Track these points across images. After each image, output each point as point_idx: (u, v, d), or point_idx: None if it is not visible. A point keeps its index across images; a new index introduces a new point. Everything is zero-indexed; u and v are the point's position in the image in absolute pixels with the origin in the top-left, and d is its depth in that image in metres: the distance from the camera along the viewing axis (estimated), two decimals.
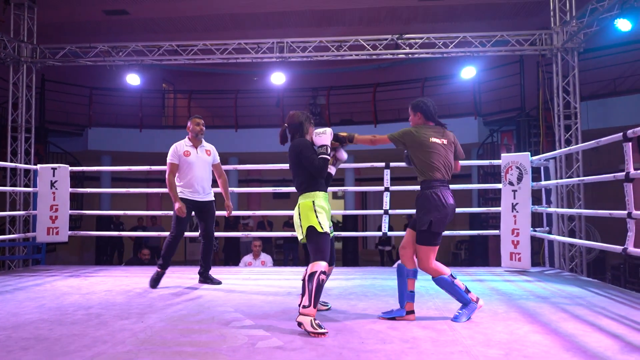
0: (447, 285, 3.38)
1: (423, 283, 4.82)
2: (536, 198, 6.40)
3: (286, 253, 12.63)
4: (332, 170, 3.63)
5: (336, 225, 15.70)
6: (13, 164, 7.76)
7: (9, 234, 8.11)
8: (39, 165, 6.56)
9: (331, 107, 13.59)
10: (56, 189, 6.35)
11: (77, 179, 12.02)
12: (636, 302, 3.95)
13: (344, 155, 3.67)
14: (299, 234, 3.43)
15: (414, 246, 3.46)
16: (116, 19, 11.85)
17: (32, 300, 4.09)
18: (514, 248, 5.58)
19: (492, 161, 6.45)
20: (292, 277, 5.22)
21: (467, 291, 3.37)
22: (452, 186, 3.51)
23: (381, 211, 6.19)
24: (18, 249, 8.36)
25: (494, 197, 10.89)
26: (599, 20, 7.00)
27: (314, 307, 3.12)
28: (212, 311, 3.68)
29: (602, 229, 9.29)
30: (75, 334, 3.05)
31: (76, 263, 12.53)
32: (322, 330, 3.01)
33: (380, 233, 6.39)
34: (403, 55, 8.72)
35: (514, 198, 5.61)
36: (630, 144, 4.11)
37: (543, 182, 6.08)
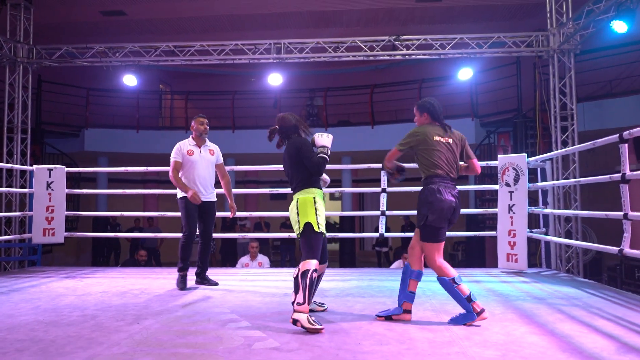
0: (447, 287, 3.37)
1: (419, 284, 4.81)
2: (533, 199, 6.40)
3: (283, 254, 12.63)
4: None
5: (333, 227, 15.75)
6: (9, 165, 7.73)
7: (5, 235, 8.08)
8: (35, 166, 6.54)
9: (328, 108, 13.59)
10: (52, 190, 6.33)
11: (73, 180, 11.98)
12: (632, 303, 3.96)
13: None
14: (295, 229, 3.45)
15: (420, 247, 3.48)
16: (113, 19, 11.83)
17: (28, 302, 4.07)
18: (511, 249, 5.58)
19: (489, 162, 6.46)
20: (289, 279, 5.19)
21: (471, 300, 3.28)
22: None
23: (378, 212, 6.19)
24: (14, 250, 8.33)
25: (490, 198, 10.91)
26: (595, 22, 7.02)
27: (308, 304, 3.19)
28: (209, 312, 3.67)
29: (598, 230, 9.31)
30: (71, 336, 3.04)
31: (72, 264, 12.48)
32: (319, 327, 3.08)
33: (377, 234, 6.39)
34: (400, 57, 8.74)
35: (511, 199, 5.62)
36: (626, 145, 4.12)
37: (540, 184, 6.09)
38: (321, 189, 3.56)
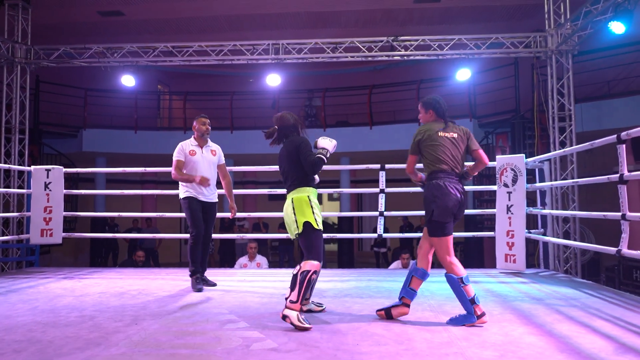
0: (453, 286, 3.37)
1: None
2: (531, 200, 6.40)
3: (281, 255, 12.62)
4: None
5: (331, 227, 15.73)
6: (7, 166, 7.71)
7: (2, 235, 8.06)
8: (32, 167, 6.53)
9: (327, 108, 13.59)
10: (50, 190, 6.32)
11: (71, 181, 11.96)
12: (630, 303, 3.97)
13: None
14: (292, 229, 3.45)
15: (428, 244, 3.50)
16: (111, 20, 11.81)
17: (25, 303, 4.06)
18: (509, 250, 5.59)
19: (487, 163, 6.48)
20: (287, 279, 5.16)
21: (474, 302, 3.28)
22: None
23: (376, 213, 6.19)
24: (11, 250, 8.31)
25: (488, 199, 10.90)
26: (593, 23, 7.03)
27: (300, 303, 3.25)
28: (207, 313, 3.67)
29: (596, 231, 9.32)
30: (69, 336, 3.04)
31: (70, 265, 12.45)
32: (307, 325, 3.16)
33: (375, 235, 6.39)
34: (398, 57, 8.74)
35: (509, 200, 5.62)
36: (624, 146, 4.13)
37: (538, 184, 6.10)
38: (316, 188, 3.57)
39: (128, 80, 9.70)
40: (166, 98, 16.70)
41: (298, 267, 3.36)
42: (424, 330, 3.17)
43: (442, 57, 8.49)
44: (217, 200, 4.92)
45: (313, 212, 3.42)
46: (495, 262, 5.75)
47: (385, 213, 6.14)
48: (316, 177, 3.70)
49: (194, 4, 11.08)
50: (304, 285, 3.26)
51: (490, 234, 6.08)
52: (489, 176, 10.42)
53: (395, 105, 13.36)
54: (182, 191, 4.75)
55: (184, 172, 4.73)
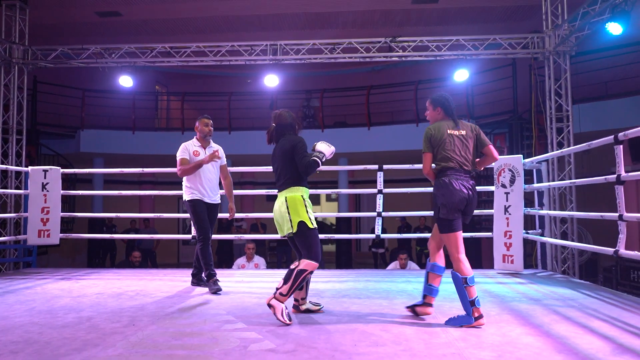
0: (457, 284, 3.37)
1: (416, 285, 4.83)
2: (528, 200, 6.42)
3: (279, 255, 12.59)
4: None
5: (329, 228, 15.74)
6: (4, 166, 7.70)
7: (0, 236, 8.04)
8: (30, 168, 6.52)
9: (325, 109, 13.59)
10: (47, 191, 6.31)
11: (69, 181, 11.94)
12: (628, 304, 3.97)
13: None
14: (285, 228, 3.50)
15: (437, 239, 3.54)
16: (109, 20, 11.79)
17: (22, 304, 4.05)
18: (507, 250, 5.59)
19: None
20: None
21: (474, 304, 3.28)
22: None
23: (374, 213, 6.20)
24: (9, 251, 8.29)
25: (486, 200, 10.91)
26: (590, 24, 7.05)
27: (288, 297, 3.37)
28: (205, 314, 3.67)
29: (594, 231, 9.33)
30: (66, 337, 3.03)
31: (68, 266, 12.44)
32: (288, 322, 3.30)
33: (373, 235, 6.39)
34: (396, 58, 8.74)
35: (507, 200, 5.63)
36: (621, 146, 4.14)
37: (535, 185, 6.11)
38: (308, 187, 3.59)
39: (126, 81, 9.69)
40: (164, 99, 16.68)
41: (297, 262, 3.43)
42: (421, 331, 3.17)
43: (440, 58, 8.50)
44: (219, 202, 4.91)
45: (307, 212, 3.46)
46: (493, 262, 5.76)
47: (383, 214, 6.15)
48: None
49: (192, 5, 11.08)
50: (297, 283, 3.35)
51: (488, 234, 6.08)
52: (486, 177, 10.43)
53: (394, 106, 13.37)
54: (187, 193, 4.71)
55: (186, 178, 4.69)
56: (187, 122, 13.34)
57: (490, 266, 5.92)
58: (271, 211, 3.73)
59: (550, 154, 6.44)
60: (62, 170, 6.51)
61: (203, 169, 4.70)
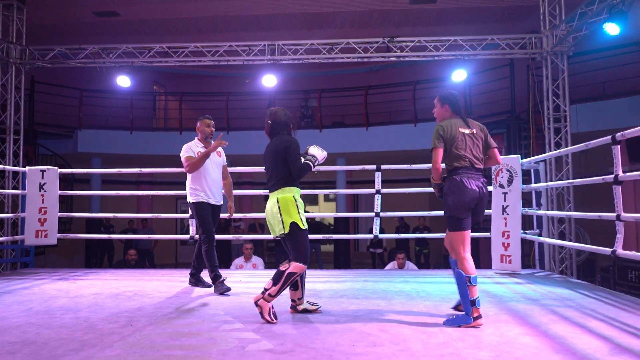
0: (459, 282, 3.38)
1: (413, 285, 4.83)
2: (526, 200, 6.42)
3: (277, 256, 12.60)
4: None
5: (327, 228, 15.74)
6: (1, 166, 7.66)
7: None
8: (27, 168, 6.50)
9: (323, 109, 13.59)
10: (45, 191, 6.29)
11: (66, 182, 11.90)
12: (625, 304, 3.98)
13: None
14: (277, 229, 3.53)
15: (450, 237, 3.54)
16: (106, 20, 11.77)
17: (20, 304, 4.04)
18: (505, 250, 5.60)
19: None
20: None
21: (474, 304, 3.28)
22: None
23: (372, 214, 6.20)
24: (6, 251, 8.27)
25: None
26: (587, 24, 7.06)
27: (276, 297, 3.43)
28: (202, 314, 3.66)
29: (591, 232, 9.34)
30: (63, 338, 3.02)
31: (66, 266, 12.39)
32: (275, 321, 3.37)
33: (371, 235, 6.39)
34: (394, 58, 8.74)
35: (505, 200, 5.64)
36: (618, 146, 4.14)
37: (533, 185, 6.11)
38: (300, 187, 3.60)
39: (123, 81, 9.68)
40: (162, 99, 16.66)
41: (287, 264, 3.47)
42: (419, 331, 3.17)
43: (437, 58, 8.50)
44: (222, 203, 4.89)
45: (299, 212, 3.49)
46: (491, 262, 5.76)
47: (381, 214, 6.15)
48: None
49: (190, 5, 11.06)
50: (286, 285, 3.41)
51: (486, 234, 6.08)
52: (484, 177, 10.44)
53: (391, 106, 13.38)
54: (192, 195, 4.68)
55: (191, 178, 4.66)
56: (185, 122, 13.33)
57: (488, 266, 5.93)
58: None
59: (548, 154, 6.45)
60: (59, 170, 6.50)
61: (207, 169, 4.68)
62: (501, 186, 5.67)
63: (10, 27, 8.54)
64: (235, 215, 5.63)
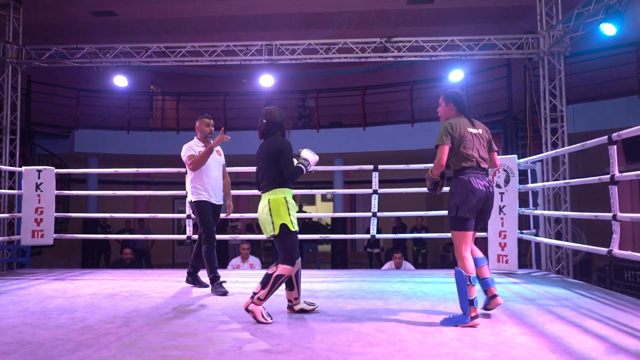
0: (459, 282, 3.38)
1: (411, 285, 4.84)
2: (523, 200, 6.44)
3: (274, 256, 12.60)
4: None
5: (325, 228, 15.73)
6: None
7: None
8: (24, 168, 6.48)
9: (320, 109, 13.59)
10: (41, 191, 6.27)
11: (63, 182, 11.89)
12: (621, 303, 3.99)
13: None
14: (268, 230, 3.52)
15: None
16: (104, 20, 11.75)
17: (16, 304, 4.03)
18: (501, 250, 5.61)
19: None
20: None
21: (472, 304, 3.28)
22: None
23: (370, 214, 6.20)
24: (2, 252, 8.24)
25: None
26: (584, 25, 7.07)
27: (265, 301, 3.43)
28: (199, 314, 3.66)
29: (588, 231, 9.37)
30: (59, 338, 3.01)
31: (62, 266, 12.36)
32: (270, 320, 3.37)
33: (368, 235, 6.39)
34: (392, 59, 8.74)
35: (501, 200, 5.64)
36: (615, 146, 4.16)
37: (530, 185, 6.12)
38: (291, 188, 3.60)
39: (120, 81, 9.66)
40: (159, 98, 16.64)
41: (274, 267, 3.47)
42: (416, 331, 3.18)
43: (435, 58, 8.51)
44: (222, 202, 4.88)
45: (289, 214, 3.48)
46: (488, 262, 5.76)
47: (378, 214, 6.15)
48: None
49: (187, 5, 11.05)
50: (275, 288, 3.42)
51: (483, 234, 6.09)
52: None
53: (389, 106, 13.38)
54: (194, 194, 4.66)
55: (192, 178, 4.65)
56: (182, 122, 13.31)
57: None
58: None
59: (544, 154, 6.46)
60: (56, 170, 6.48)
61: (208, 168, 4.67)
62: (498, 186, 5.68)
63: (7, 26, 8.52)
64: (233, 215, 5.63)
